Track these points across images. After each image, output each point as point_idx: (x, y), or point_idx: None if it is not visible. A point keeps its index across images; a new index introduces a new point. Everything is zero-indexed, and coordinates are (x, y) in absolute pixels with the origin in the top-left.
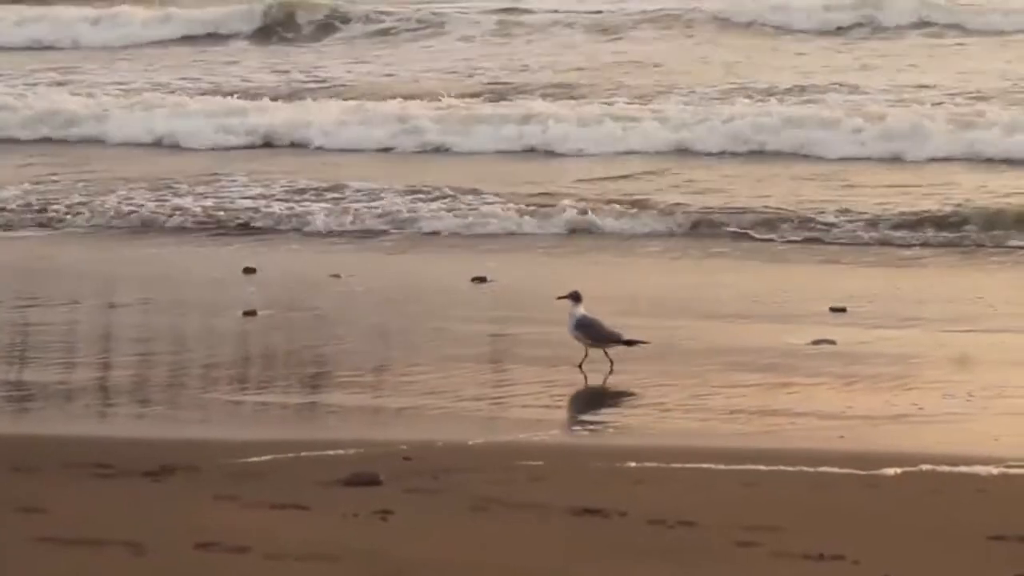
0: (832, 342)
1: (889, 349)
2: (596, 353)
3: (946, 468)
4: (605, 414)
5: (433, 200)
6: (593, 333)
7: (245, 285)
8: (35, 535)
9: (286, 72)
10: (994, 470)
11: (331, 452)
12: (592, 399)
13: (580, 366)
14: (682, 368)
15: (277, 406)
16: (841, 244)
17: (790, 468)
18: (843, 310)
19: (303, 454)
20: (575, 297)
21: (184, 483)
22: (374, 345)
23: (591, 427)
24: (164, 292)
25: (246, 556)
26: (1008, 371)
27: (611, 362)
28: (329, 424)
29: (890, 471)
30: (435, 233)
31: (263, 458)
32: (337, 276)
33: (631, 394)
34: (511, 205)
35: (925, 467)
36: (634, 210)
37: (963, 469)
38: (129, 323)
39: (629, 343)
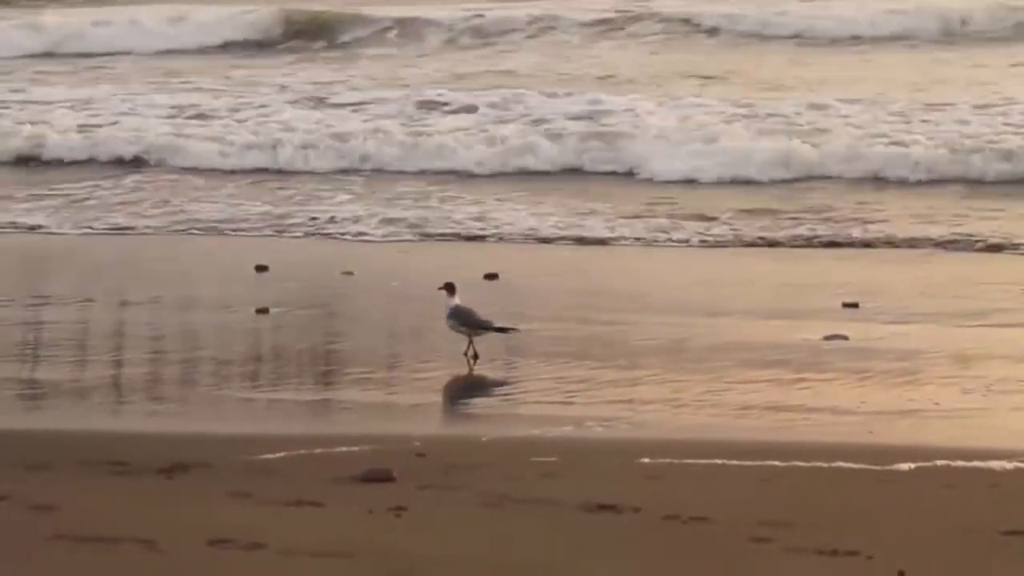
0: (845, 337)
1: (902, 344)
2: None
3: (960, 463)
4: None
5: None
6: (465, 320)
7: (259, 281)
8: (49, 533)
9: None
10: (1008, 465)
11: (344, 449)
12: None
13: (466, 354)
14: (695, 364)
15: (290, 403)
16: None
17: (804, 463)
18: (856, 306)
19: (317, 451)
20: (450, 289)
21: (198, 480)
22: (387, 342)
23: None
24: (176, 289)
25: (260, 553)
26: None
27: (475, 354)
28: (342, 421)
29: (904, 466)
30: None
31: (277, 455)
32: (350, 273)
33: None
34: None
35: (939, 462)
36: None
37: (977, 464)
38: (141, 320)
39: (500, 330)
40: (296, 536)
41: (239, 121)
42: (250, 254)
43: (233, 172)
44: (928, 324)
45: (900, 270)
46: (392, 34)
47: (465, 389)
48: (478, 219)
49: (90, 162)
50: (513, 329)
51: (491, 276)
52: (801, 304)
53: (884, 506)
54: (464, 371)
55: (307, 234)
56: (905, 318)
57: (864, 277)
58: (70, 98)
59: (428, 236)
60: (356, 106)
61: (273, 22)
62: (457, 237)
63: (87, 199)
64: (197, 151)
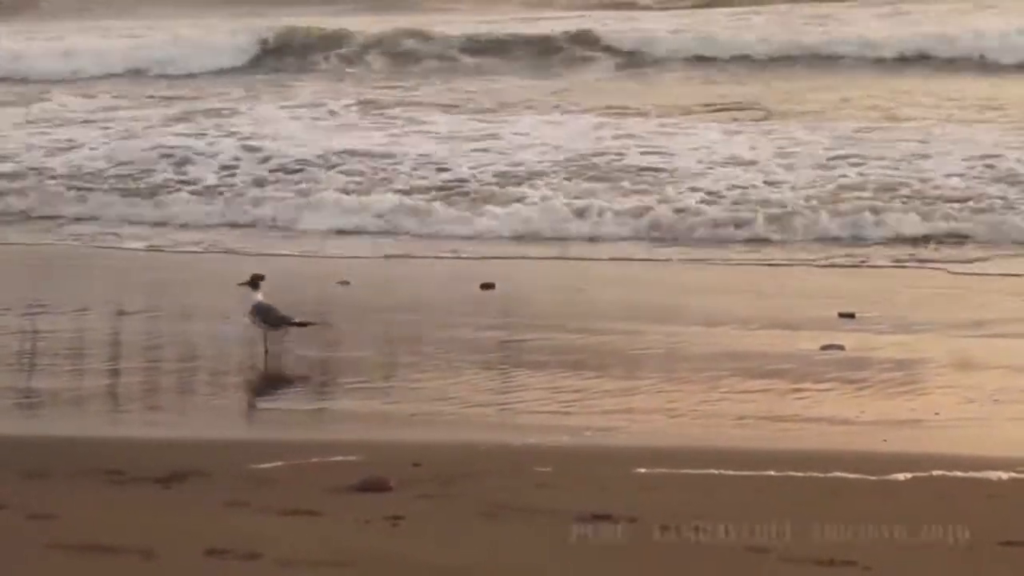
0: (841, 347)
1: (899, 354)
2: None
3: (958, 473)
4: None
5: None
6: (265, 317)
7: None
8: (46, 542)
9: None
10: (1005, 475)
11: (341, 458)
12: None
13: (266, 351)
14: (691, 374)
15: (287, 412)
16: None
17: (800, 473)
18: (852, 316)
19: (313, 460)
20: (254, 283)
21: (195, 489)
22: (383, 351)
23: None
24: (172, 299)
25: (257, 562)
26: (1021, 376)
27: (266, 350)
28: (339, 430)
29: (901, 476)
30: None
31: (273, 464)
32: (346, 283)
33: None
34: None
35: (936, 472)
36: None
37: (974, 474)
38: (138, 330)
39: (300, 324)
40: (293, 545)
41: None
42: (247, 264)
43: None
44: (924, 334)
45: (895, 280)
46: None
47: (265, 386)
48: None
49: None
50: (312, 323)
51: (487, 286)
52: (797, 314)
53: (881, 516)
54: (267, 368)
55: None
56: (901, 328)
57: (859, 287)
58: None
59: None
60: None
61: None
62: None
63: None
64: None
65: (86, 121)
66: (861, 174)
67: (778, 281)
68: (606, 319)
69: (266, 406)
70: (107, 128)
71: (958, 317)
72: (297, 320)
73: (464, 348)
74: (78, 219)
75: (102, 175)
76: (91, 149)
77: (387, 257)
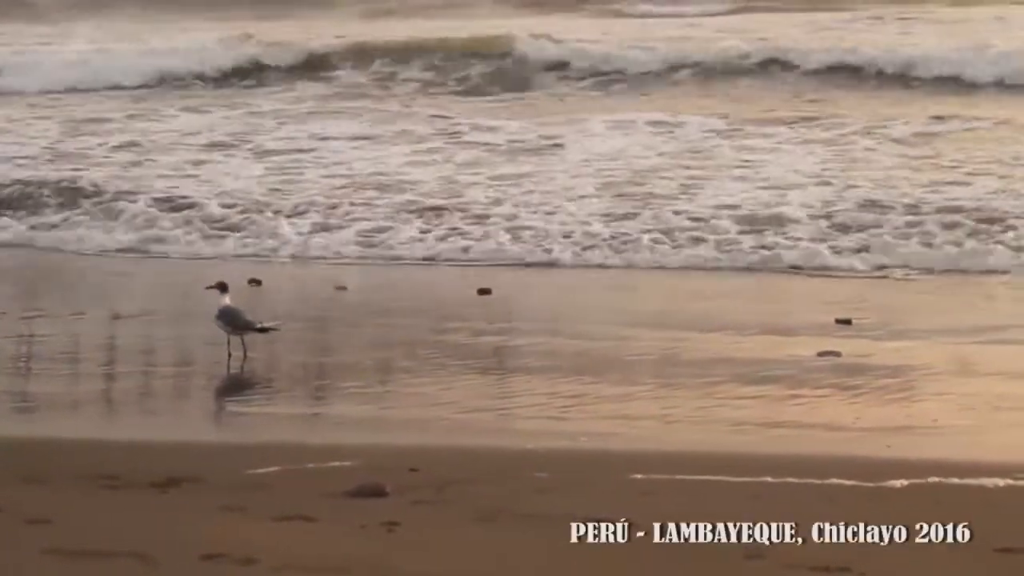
0: (838, 354)
1: (895, 361)
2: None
3: (954, 480)
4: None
5: None
6: (231, 321)
7: (253, 295)
8: (43, 547)
9: None
10: (1001, 482)
11: (337, 464)
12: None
13: (229, 354)
14: (688, 380)
15: (283, 417)
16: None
17: (797, 480)
18: (848, 322)
19: (309, 465)
20: (222, 287)
21: (190, 495)
22: (380, 356)
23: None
24: (168, 304)
25: (253, 568)
26: (1017, 383)
27: (244, 352)
28: (335, 435)
29: (897, 483)
30: None
31: (269, 469)
32: (344, 288)
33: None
34: None
35: (932, 479)
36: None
37: (971, 481)
38: (133, 334)
39: (262, 330)
40: (289, 551)
41: None
42: (248, 269)
43: None
44: (920, 341)
45: (891, 287)
46: None
47: (230, 388)
48: None
49: None
50: (274, 328)
51: (484, 291)
52: (794, 320)
53: (878, 522)
54: (235, 370)
55: None
56: (898, 334)
57: (855, 293)
58: None
59: None
60: None
61: None
62: None
63: None
64: None
65: None
66: (872, 184)
67: (774, 287)
68: (603, 324)
69: (258, 410)
70: None
71: (955, 324)
72: (259, 325)
73: (461, 353)
74: None
75: None
76: None
77: (383, 263)
